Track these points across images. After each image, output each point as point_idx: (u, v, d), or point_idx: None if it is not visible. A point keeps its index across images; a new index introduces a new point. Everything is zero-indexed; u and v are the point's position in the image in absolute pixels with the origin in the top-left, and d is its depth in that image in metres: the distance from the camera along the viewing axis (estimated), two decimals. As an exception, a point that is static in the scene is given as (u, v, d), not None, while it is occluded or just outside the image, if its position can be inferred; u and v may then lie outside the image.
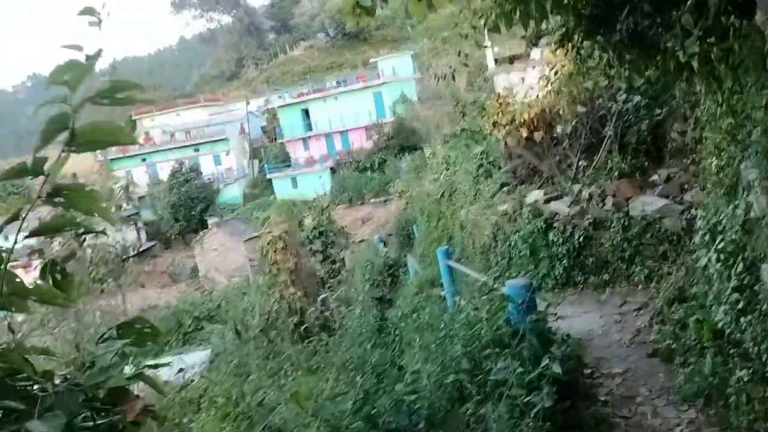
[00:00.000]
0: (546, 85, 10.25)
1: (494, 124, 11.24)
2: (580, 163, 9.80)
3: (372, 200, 33.81)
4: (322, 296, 15.65)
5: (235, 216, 51.82)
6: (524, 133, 10.66)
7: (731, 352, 4.80)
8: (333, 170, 54.30)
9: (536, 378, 3.87)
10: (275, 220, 17.25)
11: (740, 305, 4.42)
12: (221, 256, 48.33)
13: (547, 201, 9.52)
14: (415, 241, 20.81)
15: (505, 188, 11.69)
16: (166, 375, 16.41)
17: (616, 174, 8.74)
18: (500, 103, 11.15)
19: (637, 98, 9.12)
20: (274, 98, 71.73)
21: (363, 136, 54.95)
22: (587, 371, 5.69)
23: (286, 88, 76.02)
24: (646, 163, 8.78)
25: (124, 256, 52.75)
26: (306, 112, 58.37)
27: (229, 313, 17.45)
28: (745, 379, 4.19)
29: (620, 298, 7.65)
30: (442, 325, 5.91)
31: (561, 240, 8.96)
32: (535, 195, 9.91)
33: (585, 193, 8.82)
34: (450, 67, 9.27)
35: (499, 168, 12.22)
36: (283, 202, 48.24)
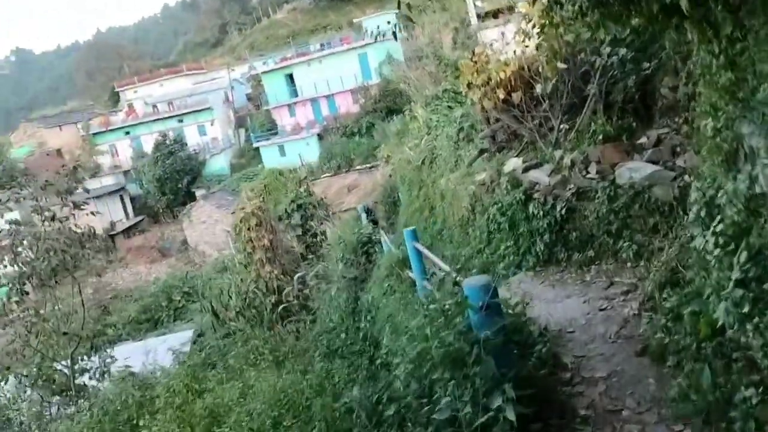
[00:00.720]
0: (523, 40, 9.24)
1: (469, 85, 10.26)
2: (561, 126, 8.87)
3: (358, 167, 32.80)
4: (298, 274, 14.83)
5: (222, 187, 50.81)
6: (501, 94, 9.69)
7: (735, 357, 3.99)
8: (320, 136, 53.14)
9: (491, 420, 3.06)
10: (247, 195, 16.31)
11: (746, 307, 3.58)
12: (210, 228, 47.56)
13: (527, 170, 8.61)
14: (400, 210, 19.98)
15: (484, 155, 10.77)
16: (139, 362, 15.73)
17: (600, 138, 7.80)
18: (475, 62, 10.14)
19: (623, 51, 8.12)
20: (259, 64, 70.03)
21: (350, 100, 53.61)
22: (565, 375, 4.89)
23: (271, 53, 74.14)
24: (634, 124, 7.84)
25: (112, 232, 52.01)
26: (291, 78, 56.84)
27: (206, 292, 16.70)
28: (753, 400, 3.38)
29: (606, 278, 6.81)
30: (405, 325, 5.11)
31: (542, 213, 8.09)
32: (513, 163, 9.00)
33: (567, 160, 7.91)
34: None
35: (480, 132, 11.27)
36: (269, 171, 47.22)
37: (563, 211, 7.78)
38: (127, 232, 53.20)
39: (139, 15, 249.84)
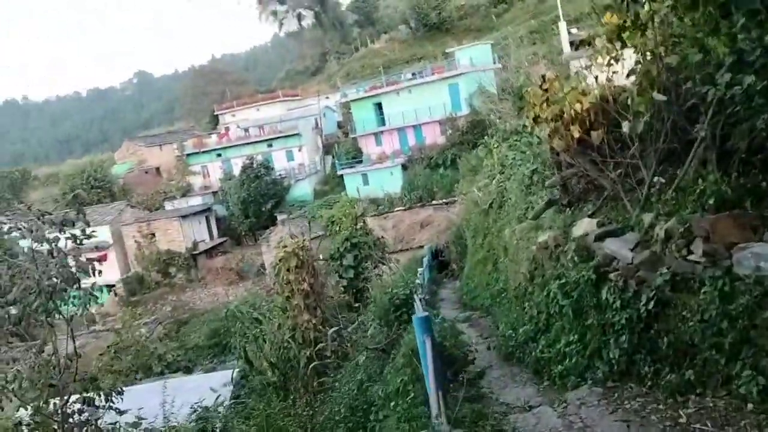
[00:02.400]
0: (608, 63, 6.96)
1: (536, 119, 8.04)
2: (654, 180, 6.46)
3: (434, 202, 30.74)
4: (333, 329, 12.89)
5: (302, 213, 50.19)
6: (576, 132, 7.41)
7: None
8: (405, 167, 51.61)
9: None
10: (288, 234, 14.67)
11: None
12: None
13: (602, 237, 6.26)
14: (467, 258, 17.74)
15: (553, 208, 8.44)
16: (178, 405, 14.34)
17: (711, 201, 5.37)
18: (544, 90, 7.93)
19: (749, 79, 5.66)
20: (351, 92, 69.93)
21: (437, 131, 51.86)
22: None
23: (365, 81, 74.06)
24: (764, 184, 5.36)
25: (195, 252, 52.63)
26: (379, 106, 55.95)
27: (241, 336, 15.14)
28: None
29: (715, 427, 4.38)
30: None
31: (619, 302, 5.72)
32: (586, 225, 6.66)
33: (659, 230, 5.53)
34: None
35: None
36: (346, 201, 46.04)
37: (651, 305, 5.38)
38: (210, 252, 53.63)
39: (251, 43, 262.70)
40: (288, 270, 13.97)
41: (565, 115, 7.55)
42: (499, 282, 11.46)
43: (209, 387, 15.75)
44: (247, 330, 15.60)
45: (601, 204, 7.29)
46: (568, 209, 7.98)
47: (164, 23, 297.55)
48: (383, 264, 16.20)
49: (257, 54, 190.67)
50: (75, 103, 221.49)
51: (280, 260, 14.13)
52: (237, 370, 20.50)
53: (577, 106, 7.35)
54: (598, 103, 7.30)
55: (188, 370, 27.68)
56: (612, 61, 6.99)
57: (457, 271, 21.58)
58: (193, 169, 63.00)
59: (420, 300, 9.48)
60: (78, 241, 11.04)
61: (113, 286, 50.97)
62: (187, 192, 61.27)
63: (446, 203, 29.19)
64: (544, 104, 7.91)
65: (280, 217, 52.41)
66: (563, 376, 6.09)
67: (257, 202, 53.15)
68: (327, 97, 73.73)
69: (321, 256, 14.41)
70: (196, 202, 58.05)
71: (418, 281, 11.77)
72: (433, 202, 30.67)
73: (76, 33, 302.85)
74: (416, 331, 5.69)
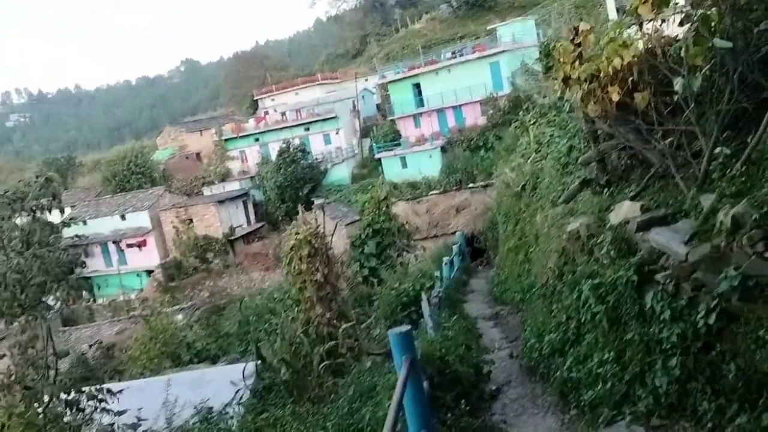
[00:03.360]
0: (656, 6, 5.46)
1: (566, 80, 6.59)
2: (717, 151, 4.98)
3: (471, 185, 29.20)
4: (345, 325, 11.70)
5: (338, 198, 49.26)
6: (616, 94, 5.94)
7: None
8: (444, 149, 50.02)
9: None
10: (301, 218, 13.54)
11: None
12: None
13: (647, 225, 4.82)
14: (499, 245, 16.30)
15: (587, 189, 6.99)
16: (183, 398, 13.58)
17: (799, 178, 3.92)
18: (576, 44, 6.47)
19: None
20: (390, 74, 68.43)
21: (478, 112, 49.99)
22: None
23: (403, 62, 72.40)
24: None
25: (232, 237, 52.39)
26: (418, 87, 54.35)
27: (253, 331, 14.17)
28: None
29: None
30: None
31: (669, 312, 4.31)
32: (626, 210, 5.22)
33: (724, 217, 4.09)
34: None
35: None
36: (380, 185, 44.82)
37: (713, 318, 3.96)
38: (247, 238, 53.31)
39: (295, 29, 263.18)
40: (300, 259, 12.85)
41: (601, 74, 6.08)
42: (530, 275, 10.07)
43: (226, 381, 14.83)
44: (260, 322, 14.60)
45: (647, 183, 5.81)
46: (606, 190, 6.52)
47: (211, 11, 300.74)
48: (407, 252, 14.92)
49: (300, 39, 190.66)
50: (125, 91, 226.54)
51: (291, 248, 13.02)
52: (251, 364, 19.55)
53: (617, 62, 5.87)
54: (642, 57, 5.81)
55: (217, 359, 27.07)
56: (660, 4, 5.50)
57: (493, 259, 20.15)
58: (231, 154, 62.83)
59: (429, 299, 8.12)
60: (56, 230, 10.05)
61: (152, 271, 51.28)
62: (225, 177, 61.14)
63: (484, 186, 27.62)
64: (576, 61, 6.45)
65: (316, 202, 51.64)
66: (595, 406, 4.73)
67: (293, 186, 52.46)
68: (366, 80, 72.46)
69: (333, 243, 13.23)
70: (233, 187, 57.81)
71: (437, 274, 10.46)
72: (470, 185, 29.12)
73: (125, 22, 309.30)
74: (393, 350, 4.38)
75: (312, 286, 12.81)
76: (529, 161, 13.73)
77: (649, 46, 5.87)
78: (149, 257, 51.82)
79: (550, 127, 15.01)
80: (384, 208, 15.47)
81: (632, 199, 5.51)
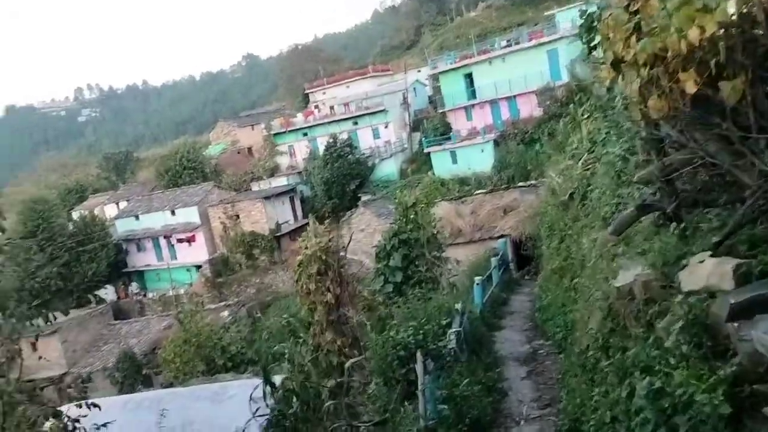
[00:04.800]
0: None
1: (616, 63, 4.61)
2: None
3: (521, 184, 26.93)
4: (350, 361, 9.95)
5: (385, 194, 47.58)
6: (691, 83, 3.93)
7: None
8: (497, 143, 47.58)
9: None
10: (312, 230, 11.83)
11: None
12: (368, 237, 44.55)
13: (746, 309, 2.84)
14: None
15: (646, 217, 4.98)
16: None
17: None
18: (632, 12, 4.47)
19: None
20: (442, 64, 66.15)
21: (533, 103, 47.26)
22: None
23: (455, 52, 69.98)
24: None
25: (278, 234, 51.51)
26: (470, 78, 51.94)
27: (265, 351, 12.64)
28: None
29: None
30: None
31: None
32: (708, 271, 3.25)
33: None
34: None
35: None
36: (430, 181, 42.90)
37: None
38: (293, 234, 52.34)
39: (353, 21, 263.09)
40: (308, 277, 11.19)
41: (669, 54, 4.07)
42: (574, 311, 8.05)
43: (246, 397, 13.41)
44: (277, 339, 13.06)
45: (741, 221, 3.78)
46: (674, 224, 4.50)
47: (272, 5, 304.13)
48: (437, 265, 13.05)
49: (358, 31, 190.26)
50: (189, 87, 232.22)
51: (299, 264, 11.37)
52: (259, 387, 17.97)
53: (693, 35, 3.86)
54: (734, 26, 3.78)
55: (252, 365, 25.87)
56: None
57: (541, 269, 17.98)
58: (280, 149, 62.10)
59: (426, 362, 6.16)
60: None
61: (201, 266, 51.05)
62: (274, 172, 60.47)
63: (535, 185, 25.31)
64: (632, 37, 4.45)
65: (364, 198, 50.20)
66: None
67: (340, 182, 51.16)
68: (419, 71, 70.46)
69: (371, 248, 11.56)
70: (281, 182, 57.02)
71: (457, 306, 8.56)
72: (519, 184, 26.85)
73: (189, 17, 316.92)
74: None
75: (322, 308, 11.15)
76: (579, 164, 11.59)
77: (745, 9, 3.83)
78: (198, 252, 51.64)
79: (606, 123, 12.79)
80: (412, 216, 13.66)
81: (717, 246, 3.53)
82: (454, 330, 7.77)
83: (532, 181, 26.63)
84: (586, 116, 13.78)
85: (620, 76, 4.71)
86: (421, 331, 7.37)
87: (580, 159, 11.98)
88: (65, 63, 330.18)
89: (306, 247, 11.48)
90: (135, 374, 38.15)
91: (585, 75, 42.36)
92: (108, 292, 51.18)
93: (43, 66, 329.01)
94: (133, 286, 53.09)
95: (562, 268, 9.92)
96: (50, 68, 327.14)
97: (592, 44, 6.25)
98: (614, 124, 11.96)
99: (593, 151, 11.88)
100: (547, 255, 12.13)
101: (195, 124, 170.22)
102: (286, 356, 12.10)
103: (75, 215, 58.02)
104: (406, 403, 6.38)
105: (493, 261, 14.44)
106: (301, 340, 12.02)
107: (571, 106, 14.34)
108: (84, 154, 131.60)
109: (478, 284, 11.28)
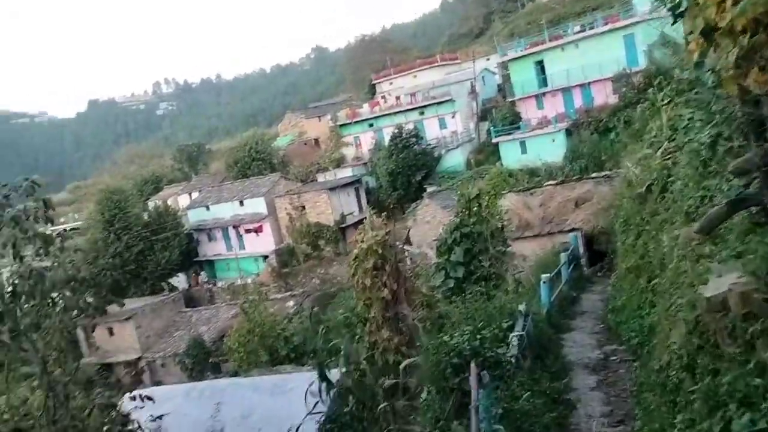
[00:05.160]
0: None
1: (707, 32, 3.87)
2: None
3: (594, 175, 25.62)
4: (406, 361, 9.47)
5: (451, 186, 46.73)
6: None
7: None
8: (569, 132, 45.84)
9: None
10: (369, 223, 11.41)
11: None
12: (433, 229, 43.92)
13: None
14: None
15: (740, 214, 4.22)
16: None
17: None
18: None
19: None
20: (511, 51, 64.42)
21: (608, 90, 45.24)
22: None
23: (526, 39, 67.98)
24: None
25: (342, 225, 51.63)
26: (541, 65, 50.24)
27: (320, 346, 12.32)
28: None
29: None
30: None
31: None
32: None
33: None
34: None
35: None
36: (497, 173, 41.69)
37: None
38: (358, 225, 52.36)
39: (421, 11, 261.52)
40: (365, 272, 10.78)
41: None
42: (651, 314, 7.25)
43: (307, 389, 13.24)
44: (336, 333, 12.76)
45: None
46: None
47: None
48: (502, 261, 12.31)
49: (426, 21, 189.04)
50: (260, 80, 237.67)
51: (354, 259, 10.99)
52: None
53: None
54: None
55: (314, 355, 25.90)
56: None
57: (615, 266, 16.93)
58: (345, 140, 62.21)
59: (481, 374, 5.49)
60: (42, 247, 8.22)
61: (267, 256, 51.89)
62: (339, 163, 60.66)
63: (609, 176, 24.00)
64: (728, 0, 3.71)
65: (429, 189, 49.56)
66: None
67: (405, 173, 50.65)
68: (487, 59, 68.91)
69: (402, 251, 11.18)
70: (346, 173, 57.12)
71: (521, 307, 7.87)
72: (593, 174, 25.55)
73: (261, 11, 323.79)
74: None
75: (378, 304, 10.71)
76: (659, 153, 10.63)
77: None
78: (265, 243, 52.51)
79: (689, 109, 11.71)
80: (475, 208, 12.97)
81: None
82: (516, 334, 7.14)
83: (607, 172, 25.26)
84: (666, 101, 12.69)
85: (712, 47, 3.97)
86: (478, 336, 6.78)
87: (659, 148, 11.00)
88: (144, 58, 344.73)
89: (362, 241, 11.07)
90: (204, 361, 39.09)
91: (665, 60, 40.19)
92: (180, 280, 52.82)
93: (124, 61, 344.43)
94: (203, 275, 54.53)
95: (638, 266, 9.06)
96: (130, 63, 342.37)
97: (677, 12, 5.43)
98: (703, 105, 10.91)
99: (674, 139, 10.89)
100: (621, 252, 11.22)
101: (265, 116, 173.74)
102: (342, 352, 11.78)
103: (150, 205, 60.12)
104: (455, 422, 5.82)
105: (563, 257, 13.59)
106: (357, 336, 11.67)
107: (650, 91, 13.25)
108: (161, 146, 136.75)
109: (545, 282, 10.55)
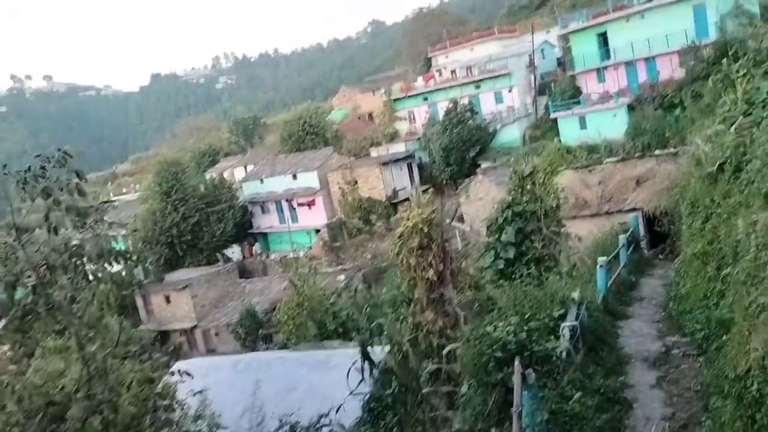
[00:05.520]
0: None
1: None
2: None
3: (657, 152, 24.27)
4: (450, 346, 9.03)
5: (506, 162, 45.55)
6: None
7: None
8: (632, 107, 43.85)
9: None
10: (416, 200, 10.95)
11: None
12: (486, 206, 42.97)
13: None
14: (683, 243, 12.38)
15: None
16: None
17: None
18: None
19: None
20: (573, 23, 61.96)
21: (674, 63, 42.95)
22: None
23: (588, 10, 65.17)
24: None
25: (395, 200, 51.27)
26: (604, 37, 48.07)
27: (364, 323, 12.05)
28: None
29: None
30: None
31: None
32: None
33: None
34: None
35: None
36: (554, 149, 40.31)
37: None
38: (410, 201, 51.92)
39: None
40: (410, 251, 10.37)
41: None
42: (721, 307, 6.57)
43: (352, 365, 13.02)
44: (377, 312, 12.43)
45: None
46: None
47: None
48: (556, 242, 11.62)
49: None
50: (317, 54, 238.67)
51: (399, 237, 10.59)
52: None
53: None
54: None
55: (360, 332, 25.79)
56: None
57: (677, 249, 16.00)
58: (399, 115, 61.49)
59: (526, 374, 4.95)
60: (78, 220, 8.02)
61: (320, 230, 52.15)
62: (393, 138, 60.09)
63: (674, 153, 22.72)
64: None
65: (483, 165, 48.49)
66: None
67: (459, 148, 49.69)
68: (547, 32, 66.60)
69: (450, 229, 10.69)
70: (400, 148, 56.53)
71: (574, 296, 7.25)
72: (656, 152, 24.21)
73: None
74: None
75: (423, 285, 10.30)
76: (732, 129, 9.72)
77: None
78: (317, 216, 52.79)
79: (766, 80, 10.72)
80: (529, 186, 12.26)
81: None
82: (568, 324, 6.57)
83: (671, 149, 23.92)
84: (742, 74, 11.65)
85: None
86: (525, 328, 6.23)
87: (732, 123, 10.07)
88: (205, 33, 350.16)
89: (407, 218, 10.63)
90: (256, 331, 39.75)
91: (737, 32, 37.67)
92: (234, 252, 53.76)
93: (186, 36, 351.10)
94: (257, 247, 55.31)
95: (705, 253, 8.29)
96: (192, 38, 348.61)
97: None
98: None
99: (750, 114, 9.97)
100: (687, 235, 10.39)
101: (322, 90, 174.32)
102: (385, 332, 11.45)
103: (207, 177, 61.23)
104: (494, 429, 5.34)
105: (622, 238, 12.77)
106: (401, 317, 11.31)
107: (724, 61, 12.18)
108: (220, 119, 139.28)
109: (602, 266, 9.86)
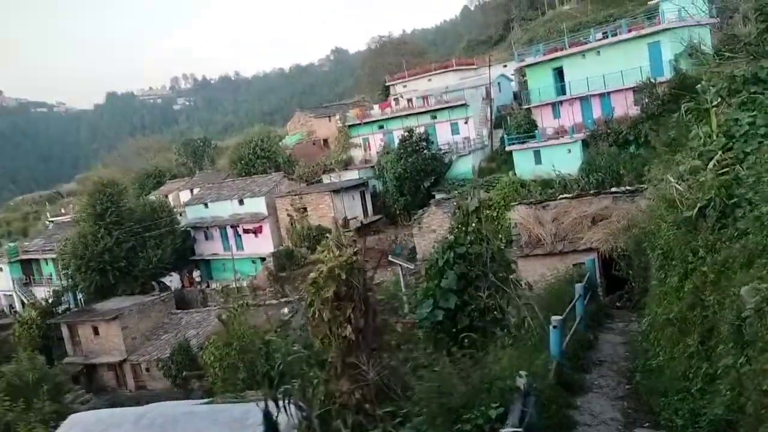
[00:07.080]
0: None
1: None
2: None
3: (614, 189, 23.03)
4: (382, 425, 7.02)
5: (460, 194, 44.22)
6: None
7: None
8: (586, 143, 43.31)
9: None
10: (335, 238, 8.94)
11: None
12: (440, 239, 41.33)
13: None
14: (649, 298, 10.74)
15: None
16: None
17: None
18: None
19: None
20: (529, 57, 61.84)
21: (629, 100, 42.71)
22: None
23: (544, 45, 65.41)
24: None
25: (347, 230, 49.31)
26: (559, 72, 47.73)
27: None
28: None
29: None
30: None
31: None
32: None
33: None
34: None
35: None
36: (508, 183, 39.19)
37: None
38: (362, 230, 49.93)
39: (442, 17, 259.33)
40: (323, 303, 8.36)
41: None
42: (710, 398, 4.79)
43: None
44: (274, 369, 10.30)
45: None
46: None
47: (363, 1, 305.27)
48: (504, 290, 9.83)
49: (446, 27, 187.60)
50: (279, 79, 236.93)
51: (311, 284, 8.58)
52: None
53: None
54: None
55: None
56: None
57: (638, 297, 14.45)
58: (354, 141, 59.90)
59: None
60: None
61: (265, 259, 49.61)
62: (347, 165, 58.35)
63: (631, 192, 21.50)
64: None
65: (438, 197, 47.06)
66: None
67: (414, 178, 48.19)
68: (505, 65, 66.62)
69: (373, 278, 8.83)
70: (353, 176, 54.76)
71: (520, 380, 5.43)
72: (613, 189, 22.99)
73: (283, 11, 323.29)
74: None
75: (338, 345, 8.27)
76: (710, 165, 8.14)
77: None
78: (264, 244, 50.26)
79: (746, 111, 9.21)
80: (474, 224, 10.52)
81: None
82: (509, 431, 4.72)
83: (627, 187, 22.71)
84: (716, 103, 10.20)
85: None
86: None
87: (710, 159, 8.51)
88: (164, 54, 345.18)
89: (320, 261, 8.64)
90: (189, 368, 36.69)
91: (690, 71, 37.36)
92: (173, 280, 50.63)
93: (144, 56, 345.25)
94: (196, 275, 52.26)
95: (685, 318, 6.59)
96: (150, 58, 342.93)
97: None
98: (765, 110, 8.44)
99: (730, 149, 8.41)
100: (658, 293, 8.73)
101: (282, 114, 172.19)
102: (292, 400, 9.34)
103: (151, 199, 58.07)
104: None
105: (578, 288, 11.10)
106: (314, 382, 9.17)
107: (699, 86, 10.77)
108: (177, 140, 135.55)
109: (555, 327, 8.10)
